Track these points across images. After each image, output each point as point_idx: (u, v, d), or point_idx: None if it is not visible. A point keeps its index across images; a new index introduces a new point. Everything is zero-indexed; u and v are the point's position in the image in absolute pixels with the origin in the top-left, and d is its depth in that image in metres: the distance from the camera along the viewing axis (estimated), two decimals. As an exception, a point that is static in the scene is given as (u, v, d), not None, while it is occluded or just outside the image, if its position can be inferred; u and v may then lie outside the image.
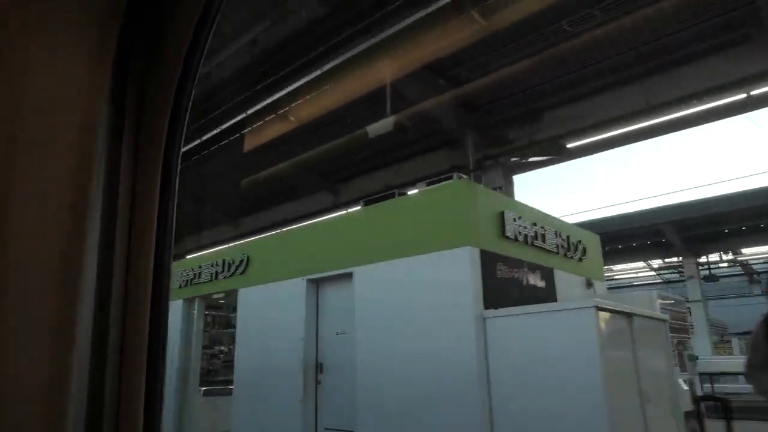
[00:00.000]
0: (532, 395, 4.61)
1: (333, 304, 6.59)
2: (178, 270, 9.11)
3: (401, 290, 5.62)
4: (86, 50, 0.67)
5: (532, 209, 6.38)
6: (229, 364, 9.64)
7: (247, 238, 14.07)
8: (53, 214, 0.63)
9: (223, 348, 9.58)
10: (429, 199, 5.87)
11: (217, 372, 9.30)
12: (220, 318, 9.74)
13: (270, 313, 7.11)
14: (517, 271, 5.79)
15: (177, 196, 0.82)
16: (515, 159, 11.07)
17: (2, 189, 0.60)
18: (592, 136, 9.59)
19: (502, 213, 5.72)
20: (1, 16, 0.62)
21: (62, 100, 0.65)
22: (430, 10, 7.36)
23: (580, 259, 7.12)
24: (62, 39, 0.65)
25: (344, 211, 6.89)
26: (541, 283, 6.14)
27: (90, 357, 0.67)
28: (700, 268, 23.12)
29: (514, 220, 5.84)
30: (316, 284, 6.80)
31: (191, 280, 8.72)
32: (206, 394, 8.59)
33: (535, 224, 6.22)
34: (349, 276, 6.28)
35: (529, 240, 6.03)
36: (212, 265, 8.36)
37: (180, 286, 8.96)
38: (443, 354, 5.10)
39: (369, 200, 7.44)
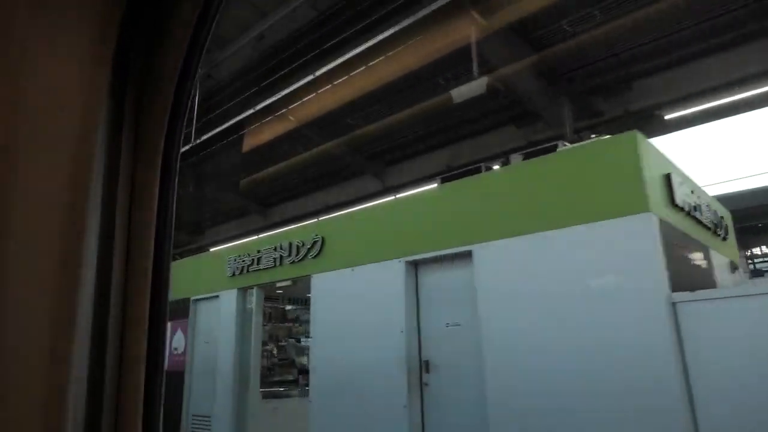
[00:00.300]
0: (760, 408, 3.50)
1: (439, 289, 5.49)
2: (231, 256, 8.03)
3: (546, 270, 4.52)
4: (86, 49, 0.66)
5: (684, 173, 5.27)
6: (284, 363, 8.57)
7: (282, 227, 13.01)
8: (53, 212, 0.62)
9: (278, 344, 8.49)
10: (584, 157, 4.75)
11: (272, 371, 8.22)
12: (276, 310, 8.66)
13: (356, 302, 6.01)
14: (686, 247, 4.69)
15: (176, 193, 0.80)
16: (595, 135, 9.97)
17: (2, 187, 0.60)
18: (697, 106, 8.47)
19: (669, 175, 4.62)
20: (1, 14, 0.61)
21: (62, 99, 0.64)
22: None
23: (724, 238, 6.01)
24: (62, 37, 0.65)
25: (452, 181, 5.72)
26: (703, 263, 5.05)
27: (89, 352, 0.66)
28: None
29: (680, 184, 4.74)
30: (415, 266, 5.71)
31: (248, 266, 7.63)
32: (265, 396, 7.50)
33: (692, 192, 5.12)
34: (465, 255, 5.18)
35: (690, 211, 4.93)
36: (275, 249, 7.27)
37: (233, 274, 7.87)
38: (615, 351, 4.00)
39: (447, 177, 6.43)
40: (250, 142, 12.21)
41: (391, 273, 5.71)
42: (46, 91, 0.63)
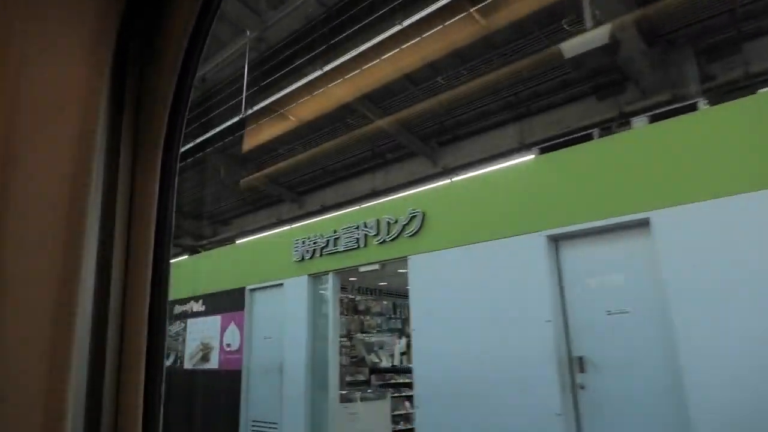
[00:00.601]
0: None
1: (592, 269, 4.44)
2: (298, 238, 6.99)
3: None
4: (85, 47, 0.66)
5: None
6: (353, 360, 7.53)
7: (320, 216, 11.95)
8: (52, 212, 0.62)
9: (349, 339, 7.45)
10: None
11: (343, 370, 7.18)
12: (345, 302, 7.62)
13: (475, 286, 4.97)
14: None
15: (176, 192, 0.81)
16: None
17: (2, 186, 0.60)
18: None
19: None
20: (0, 14, 0.62)
21: (60, 98, 0.64)
22: None
23: None
24: (61, 36, 0.65)
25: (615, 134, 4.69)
26: None
27: (89, 355, 0.66)
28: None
29: None
30: (555, 242, 4.67)
31: (321, 249, 6.59)
32: (342, 399, 6.47)
33: None
34: (636, 226, 4.14)
35: None
36: (357, 228, 6.23)
37: (302, 259, 6.84)
38: None
39: (546, 148, 5.50)
40: (288, 123, 11.19)
41: (527, 250, 4.67)
42: (45, 89, 0.63)
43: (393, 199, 6.23)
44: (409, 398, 7.55)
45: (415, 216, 5.62)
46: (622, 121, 7.55)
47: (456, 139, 11.46)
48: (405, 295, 9.12)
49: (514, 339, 4.57)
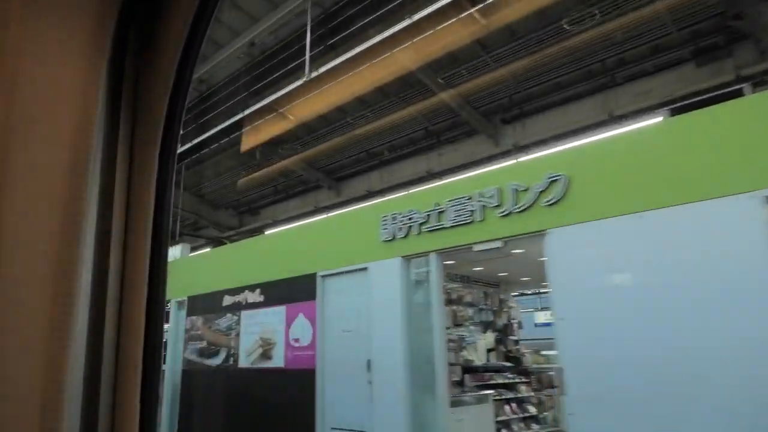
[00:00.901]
0: None
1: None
2: (387, 214, 5.97)
3: None
4: (84, 33, 0.65)
5: None
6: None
7: (362, 202, 10.95)
8: (49, 213, 0.61)
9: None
10: None
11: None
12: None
13: (653, 263, 3.95)
14: None
15: (173, 192, 0.79)
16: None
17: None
18: None
19: None
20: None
21: (58, 97, 0.63)
22: None
23: None
24: (59, 33, 0.63)
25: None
26: None
27: (85, 353, 0.65)
28: None
29: None
30: (773, 206, 3.65)
31: (420, 225, 5.57)
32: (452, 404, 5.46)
33: None
34: None
35: None
36: (469, 198, 5.20)
37: (392, 238, 5.81)
38: None
39: (676, 109, 4.56)
40: (336, 97, 10.17)
41: (733, 216, 3.65)
42: (42, 88, 0.61)
43: (519, 162, 5.22)
44: (509, 401, 6.55)
45: (555, 180, 4.59)
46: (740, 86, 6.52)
47: (522, 116, 10.42)
48: (494, 284, 8.12)
49: (724, 332, 3.55)
